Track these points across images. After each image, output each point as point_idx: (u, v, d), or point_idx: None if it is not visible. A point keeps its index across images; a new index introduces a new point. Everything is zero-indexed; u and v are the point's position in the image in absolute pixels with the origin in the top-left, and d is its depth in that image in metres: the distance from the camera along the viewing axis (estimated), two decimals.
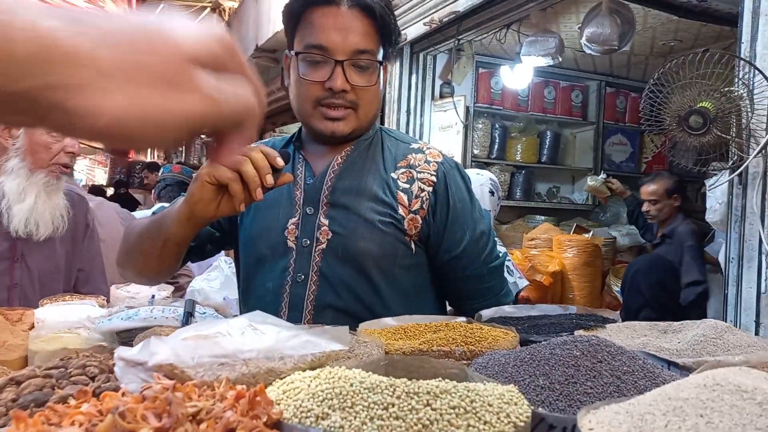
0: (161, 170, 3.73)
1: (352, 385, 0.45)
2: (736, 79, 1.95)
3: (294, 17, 1.09)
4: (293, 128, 7.27)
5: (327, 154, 1.13)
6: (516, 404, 0.48)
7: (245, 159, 0.83)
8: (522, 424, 0.45)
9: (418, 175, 1.10)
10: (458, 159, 4.14)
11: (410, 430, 0.41)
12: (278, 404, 0.45)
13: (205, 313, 1.22)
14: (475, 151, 4.59)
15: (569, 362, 0.57)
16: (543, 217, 4.80)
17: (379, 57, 1.08)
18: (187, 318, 1.12)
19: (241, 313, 1.22)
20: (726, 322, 2.16)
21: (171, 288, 1.57)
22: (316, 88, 1.05)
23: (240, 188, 0.83)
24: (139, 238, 1.05)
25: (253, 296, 1.12)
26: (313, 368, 0.52)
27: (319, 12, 1.05)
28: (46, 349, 1.01)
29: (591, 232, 4.22)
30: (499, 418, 0.44)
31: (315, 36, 1.05)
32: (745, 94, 1.91)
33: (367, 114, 1.10)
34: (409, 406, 0.43)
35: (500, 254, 1.18)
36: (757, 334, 1.89)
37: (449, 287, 1.17)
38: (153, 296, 1.44)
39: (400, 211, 1.07)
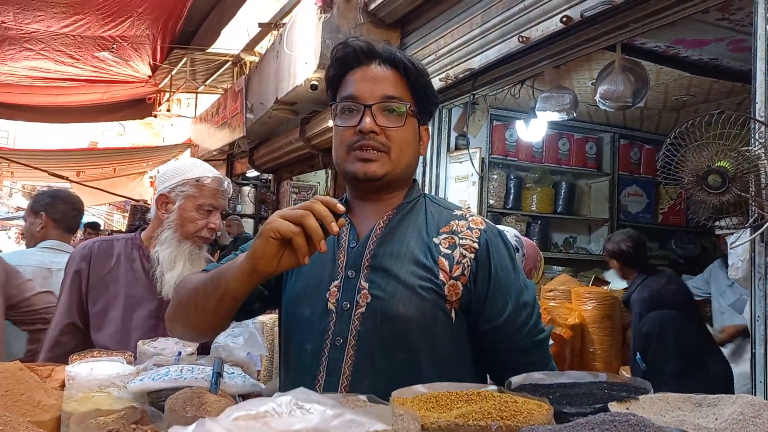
0: None
1: None
2: (753, 139, 1.98)
3: (332, 84, 1.18)
4: (310, 177, 7.40)
5: (371, 217, 1.16)
6: None
7: (307, 212, 0.87)
8: None
9: (461, 241, 1.11)
10: (474, 209, 4.18)
11: None
12: None
13: (233, 373, 1.23)
14: (491, 202, 4.63)
15: None
16: (560, 268, 4.78)
17: (412, 109, 1.14)
18: (216, 378, 1.12)
19: (280, 374, 1.23)
20: (755, 381, 2.10)
21: (196, 344, 1.58)
22: (349, 133, 1.11)
23: (304, 242, 0.86)
24: (195, 292, 1.07)
25: (293, 357, 1.13)
26: None
27: (354, 72, 1.14)
28: (79, 410, 1.02)
29: (609, 284, 4.18)
30: None
31: (347, 89, 1.13)
32: (762, 154, 1.94)
33: (400, 157, 1.12)
34: None
35: (545, 328, 1.16)
36: None
37: (491, 360, 1.14)
38: (179, 353, 1.45)
39: (441, 276, 1.08)
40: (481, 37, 3.46)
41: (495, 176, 4.70)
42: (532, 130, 4.33)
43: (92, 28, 6.32)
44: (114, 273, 1.80)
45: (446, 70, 3.79)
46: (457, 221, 1.15)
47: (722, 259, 3.60)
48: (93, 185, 9.62)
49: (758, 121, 1.95)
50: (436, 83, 3.89)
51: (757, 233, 1.93)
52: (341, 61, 1.15)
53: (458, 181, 4.29)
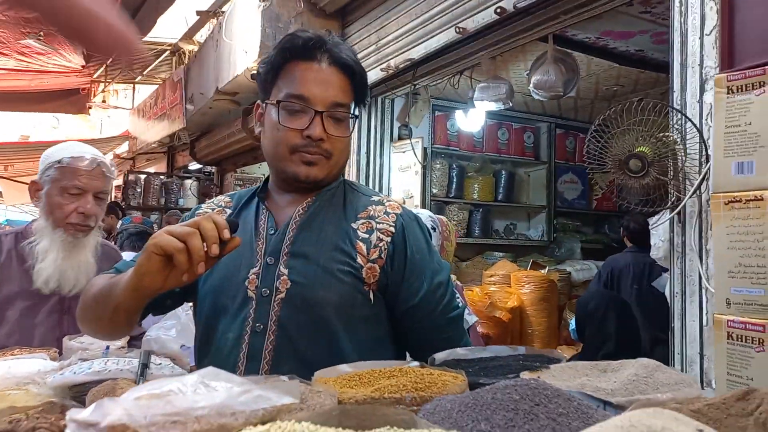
0: (120, 221, 3.69)
1: None
2: (671, 126, 2.10)
3: (274, 69, 1.15)
4: (255, 169, 7.28)
5: (290, 205, 1.17)
6: None
7: (194, 231, 0.85)
8: None
9: (378, 225, 1.14)
10: (417, 199, 4.23)
11: None
12: None
13: (161, 364, 1.20)
14: (434, 191, 4.70)
15: (509, 406, 0.61)
16: (501, 254, 4.91)
17: (353, 111, 1.16)
18: (143, 370, 1.10)
19: (197, 363, 1.21)
20: (673, 354, 2.23)
21: (126, 338, 1.54)
22: (295, 135, 1.10)
23: (185, 259, 0.85)
24: (93, 301, 1.07)
25: (213, 347, 1.12)
26: (264, 422, 0.54)
27: (301, 66, 1.12)
28: None
29: (546, 268, 4.34)
30: None
31: (296, 87, 1.11)
32: (678, 139, 2.06)
33: (337, 163, 1.16)
34: None
35: (459, 305, 1.21)
36: (701, 365, 1.98)
37: (408, 338, 1.19)
38: (107, 347, 1.41)
39: (359, 260, 1.10)
40: (421, 28, 3.50)
41: (438, 166, 4.78)
42: (471, 119, 4.42)
43: (15, 7, 5.96)
44: (5, 271, 1.71)
45: (387, 60, 3.81)
46: (374, 206, 1.18)
47: None
48: (23, 181, 9.12)
49: (675, 109, 2.07)
50: (378, 73, 3.91)
51: (674, 212, 2.04)
52: (287, 51, 1.13)
53: (401, 171, 4.33)
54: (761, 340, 0.99)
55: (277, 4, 4.24)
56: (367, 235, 1.13)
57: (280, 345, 1.06)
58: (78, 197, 1.67)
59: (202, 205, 1.30)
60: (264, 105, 1.17)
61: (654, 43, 3.52)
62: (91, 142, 9.59)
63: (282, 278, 1.08)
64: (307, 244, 1.11)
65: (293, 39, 1.13)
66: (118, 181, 10.23)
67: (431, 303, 1.14)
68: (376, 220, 1.15)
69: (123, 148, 9.41)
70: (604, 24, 3.27)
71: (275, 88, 1.14)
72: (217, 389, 0.54)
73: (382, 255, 1.11)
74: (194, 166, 8.00)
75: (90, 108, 9.47)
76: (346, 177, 1.28)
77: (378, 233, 1.13)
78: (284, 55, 1.13)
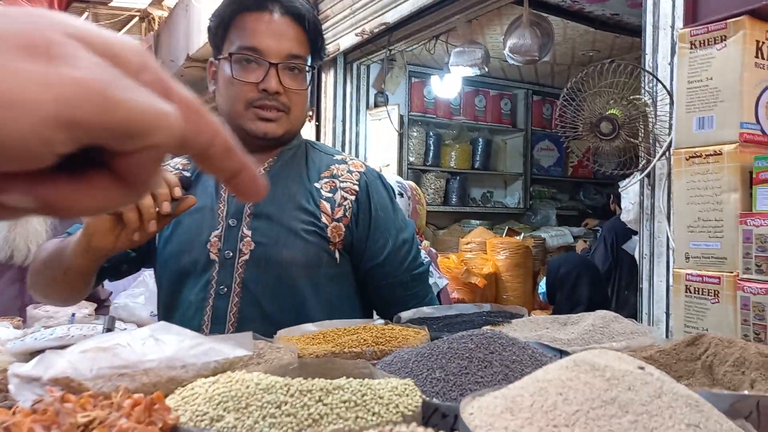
0: None
1: (248, 387, 0.47)
2: (642, 88, 2.10)
3: (224, 23, 1.10)
4: None
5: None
6: (408, 395, 0.51)
7: None
8: (410, 413, 0.49)
9: (341, 184, 1.13)
10: (394, 167, 4.21)
11: (301, 425, 0.44)
12: (176, 410, 0.47)
13: (126, 329, 1.19)
14: (411, 159, 4.68)
15: (464, 355, 0.62)
16: (478, 222, 4.95)
17: (309, 63, 1.12)
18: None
19: None
20: (641, 313, 2.28)
21: (93, 306, 1.52)
22: (249, 89, 1.07)
23: (135, 217, 0.83)
24: (44, 264, 1.04)
25: (177, 311, 1.11)
26: (216, 375, 0.53)
27: (252, 17, 1.08)
28: None
29: (522, 234, 4.38)
30: (388, 409, 0.47)
31: (248, 39, 1.07)
32: (649, 102, 2.07)
33: (297, 118, 1.13)
34: (302, 403, 0.46)
35: (424, 261, 1.21)
36: (667, 324, 2.03)
37: (374, 295, 1.19)
38: (73, 314, 1.40)
39: (323, 219, 1.10)
40: None
41: (414, 133, 4.75)
42: (448, 86, 4.38)
43: None
44: None
45: (362, 25, 3.74)
46: (337, 165, 1.16)
47: None
48: None
49: (646, 71, 2.07)
50: (353, 38, 3.83)
51: (643, 174, 2.07)
52: (237, 2, 1.08)
53: (378, 139, 4.30)
54: (716, 292, 1.02)
55: None
56: (330, 194, 1.12)
57: (245, 307, 1.05)
58: None
59: None
60: (217, 61, 1.12)
61: (629, 7, 3.49)
62: None
63: (245, 240, 1.07)
64: (270, 205, 1.09)
65: None
66: None
67: (396, 260, 1.14)
68: (340, 179, 1.14)
69: None
70: None
71: (227, 42, 1.10)
72: (166, 342, 0.54)
73: (347, 213, 1.10)
74: None
75: None
76: (316, 142, 1.26)
77: (342, 192, 1.12)
78: (234, 7, 1.08)
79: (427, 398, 0.55)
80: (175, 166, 1.24)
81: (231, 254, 1.07)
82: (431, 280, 2.30)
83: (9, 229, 1.68)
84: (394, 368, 0.64)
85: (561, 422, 0.42)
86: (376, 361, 0.72)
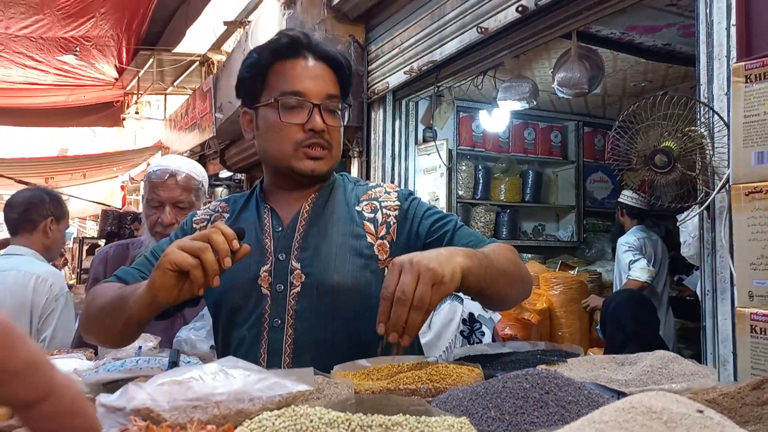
0: None
1: (311, 421, 0.49)
2: (698, 120, 2.06)
3: (261, 72, 1.16)
4: None
5: (292, 201, 1.20)
6: None
7: (206, 245, 0.87)
8: None
9: (382, 204, 1.18)
10: (443, 200, 4.23)
11: None
12: None
13: (189, 362, 1.25)
14: (460, 192, 4.69)
15: (519, 394, 0.62)
16: (530, 255, 4.87)
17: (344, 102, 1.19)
18: (172, 367, 1.15)
19: None
20: (705, 354, 2.17)
21: (158, 339, 1.59)
22: (296, 130, 1.13)
23: (201, 274, 0.87)
24: (102, 312, 1.09)
25: (232, 346, 1.15)
26: (279, 408, 0.56)
27: (289, 64, 1.14)
28: None
29: (576, 269, 4.28)
30: None
31: (290, 84, 1.13)
32: (705, 134, 2.02)
33: (338, 154, 1.19)
34: None
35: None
36: (734, 365, 1.93)
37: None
38: (140, 347, 1.46)
39: (368, 239, 1.14)
40: (442, 29, 3.51)
41: (463, 167, 4.77)
42: (496, 120, 4.40)
43: (53, 29, 6.21)
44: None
45: (410, 63, 3.83)
46: (374, 190, 1.22)
47: None
48: (64, 192, 9.44)
49: (701, 102, 2.03)
50: (401, 76, 3.93)
51: (702, 207, 2.00)
52: (273, 51, 1.15)
53: (427, 173, 4.34)
54: None
55: (300, 11, 4.31)
56: (372, 215, 1.17)
57: (299, 337, 1.08)
58: (158, 209, 1.80)
59: (198, 212, 1.32)
60: (254, 110, 1.18)
61: (681, 37, 3.45)
62: (125, 153, 9.91)
63: (296, 272, 1.11)
64: (316, 237, 1.14)
65: (278, 39, 1.16)
66: None
67: (446, 224, 1.15)
68: (380, 200, 1.19)
69: (156, 158, 9.67)
70: (628, 19, 3.23)
71: (266, 90, 1.15)
72: (235, 377, 0.57)
73: (390, 230, 1.14)
74: (225, 173, 8.14)
75: (124, 120, 9.76)
76: (371, 180, 1.31)
77: (383, 210, 1.17)
78: (271, 56, 1.15)
79: None
80: (214, 209, 1.30)
81: (282, 287, 1.11)
82: (486, 315, 2.28)
83: None
84: (449, 406, 0.66)
85: None
86: (430, 399, 0.73)
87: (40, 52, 6.66)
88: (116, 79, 8.35)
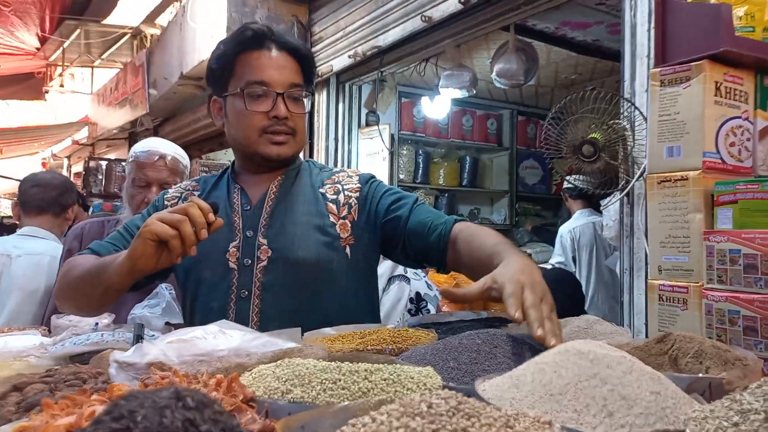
0: (91, 209, 3.68)
1: (308, 368, 0.59)
2: (621, 114, 2.26)
3: (229, 63, 1.24)
4: (220, 155, 7.25)
5: (261, 182, 1.29)
6: (431, 378, 0.63)
7: (184, 218, 0.94)
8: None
9: (344, 187, 1.28)
10: (385, 183, 4.34)
11: (353, 396, 0.56)
12: (249, 387, 0.58)
13: (153, 335, 1.30)
14: (401, 176, 4.82)
15: (472, 348, 0.74)
16: None
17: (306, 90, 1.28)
18: (137, 340, 1.20)
19: None
20: (623, 325, 2.40)
21: (112, 316, 1.61)
22: (261, 117, 1.21)
23: (179, 244, 0.94)
24: (81, 280, 1.14)
25: (199, 315, 1.22)
26: (272, 362, 0.65)
27: (254, 55, 1.23)
28: (1, 375, 1.06)
29: None
30: (418, 386, 0.59)
31: (255, 74, 1.21)
32: (628, 127, 2.23)
33: (301, 139, 1.28)
34: (352, 380, 0.57)
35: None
36: (647, 334, 2.17)
37: (410, 245, 1.23)
38: (96, 324, 1.49)
39: (331, 218, 1.24)
40: (386, 16, 3.59)
41: (404, 152, 4.90)
42: (437, 106, 4.55)
43: None
44: None
45: (354, 47, 3.89)
46: (337, 174, 1.32)
47: None
48: None
49: (624, 98, 2.24)
50: (345, 60, 3.98)
51: (623, 194, 2.22)
52: (239, 43, 1.23)
53: (369, 157, 4.43)
54: (685, 300, 1.16)
55: None
56: (335, 196, 1.26)
57: (266, 307, 1.17)
58: (145, 189, 1.82)
59: (169, 190, 1.38)
60: (222, 98, 1.26)
61: (609, 34, 3.70)
62: (49, 128, 9.35)
63: (263, 248, 1.19)
64: (283, 215, 1.23)
65: (244, 32, 1.24)
66: (78, 167, 9.97)
67: (404, 204, 1.24)
68: (342, 183, 1.29)
69: (82, 134, 9.19)
70: (562, 14, 3.43)
71: (233, 80, 1.24)
72: (232, 336, 0.65)
73: (352, 211, 1.24)
74: None
75: (47, 93, 9.19)
76: (315, 161, 1.40)
77: (345, 192, 1.27)
78: (237, 48, 1.24)
79: (445, 382, 0.67)
80: (185, 188, 1.36)
81: (249, 261, 1.19)
82: (431, 293, 2.42)
83: None
84: (413, 361, 0.76)
85: (556, 392, 0.55)
86: (394, 357, 0.84)
87: None
88: (38, 49, 7.84)
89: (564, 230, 3.87)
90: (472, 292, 0.87)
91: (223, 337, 0.64)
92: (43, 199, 2.25)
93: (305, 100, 1.27)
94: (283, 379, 0.57)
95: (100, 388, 0.63)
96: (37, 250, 2.12)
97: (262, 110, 1.21)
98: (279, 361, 0.62)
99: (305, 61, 1.27)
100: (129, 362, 0.60)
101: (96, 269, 1.09)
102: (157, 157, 1.85)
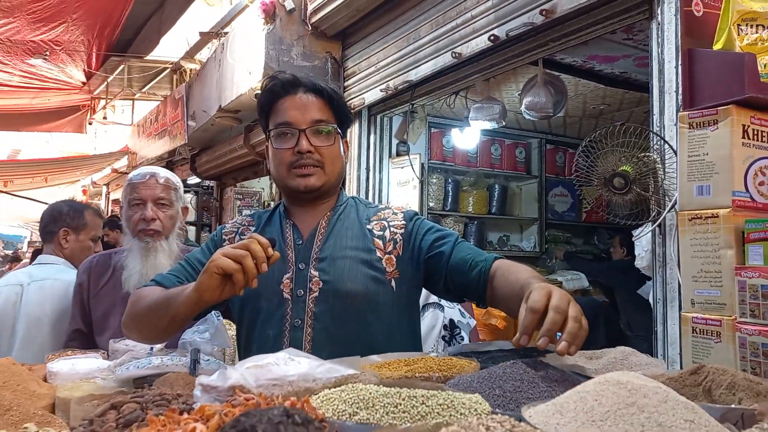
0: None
1: (371, 393, 0.66)
2: (651, 147, 2.31)
3: (264, 111, 1.39)
4: (254, 183, 7.44)
5: (310, 218, 1.39)
6: (480, 404, 0.69)
7: (246, 253, 1.02)
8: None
9: (390, 223, 1.37)
10: (428, 221, 4.42)
11: (413, 419, 0.62)
12: (319, 409, 0.65)
13: (209, 360, 1.38)
14: (431, 204, 4.90)
15: (516, 377, 0.80)
16: None
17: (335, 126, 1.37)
18: (194, 364, 1.29)
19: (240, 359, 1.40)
20: (656, 355, 2.39)
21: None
22: (288, 154, 1.33)
23: (242, 278, 1.02)
24: (148, 311, 1.24)
25: (256, 344, 1.30)
26: (335, 387, 0.72)
27: (283, 101, 1.36)
28: (76, 395, 1.15)
29: None
30: (470, 411, 0.66)
31: (281, 117, 1.34)
32: (658, 160, 2.27)
33: (332, 170, 1.37)
34: (411, 404, 0.64)
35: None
36: (681, 365, 2.16)
37: (452, 280, 1.29)
38: (151, 348, 1.59)
39: (377, 253, 1.32)
40: (417, 52, 3.71)
41: (434, 180, 4.99)
42: (467, 137, 4.64)
43: (23, 32, 6.14)
44: (111, 283, 1.94)
45: (386, 81, 4.02)
46: (383, 211, 1.41)
47: None
48: (24, 195, 9.21)
49: (653, 132, 2.28)
50: (377, 94, 4.11)
51: (654, 225, 2.25)
52: (270, 92, 1.37)
53: (400, 186, 4.53)
54: (718, 333, 1.19)
55: (280, 27, 4.44)
56: (381, 232, 1.35)
57: (317, 335, 1.25)
58: (140, 206, 1.90)
59: (227, 225, 1.50)
60: (268, 143, 1.39)
61: (637, 66, 3.75)
62: (90, 158, 9.75)
63: (314, 280, 1.28)
64: (332, 249, 1.32)
65: (274, 83, 1.37)
66: (116, 194, 10.32)
67: (447, 241, 1.31)
68: (387, 220, 1.38)
69: (122, 163, 9.55)
70: (590, 49, 3.51)
71: (269, 126, 1.37)
72: (300, 363, 0.73)
73: (397, 246, 1.32)
74: (193, 180, 8.14)
75: (90, 124, 9.60)
76: (346, 191, 1.50)
77: (391, 228, 1.35)
78: (269, 98, 1.37)
79: (492, 408, 0.73)
80: (241, 223, 1.47)
81: (302, 293, 1.28)
82: (464, 321, 2.46)
83: (141, 263, 1.86)
84: (460, 388, 0.83)
85: (597, 418, 0.60)
86: (442, 384, 0.90)
87: (7, 54, 6.55)
88: (84, 83, 8.25)
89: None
90: (524, 324, 0.90)
91: (292, 364, 0.71)
92: (40, 230, 2.47)
93: (337, 135, 1.36)
94: (350, 402, 0.64)
95: (185, 408, 0.71)
96: (43, 275, 2.24)
97: (288, 147, 1.32)
98: (343, 386, 0.69)
99: (331, 99, 1.37)
100: (213, 385, 0.68)
101: (163, 301, 1.19)
102: (149, 176, 1.94)
